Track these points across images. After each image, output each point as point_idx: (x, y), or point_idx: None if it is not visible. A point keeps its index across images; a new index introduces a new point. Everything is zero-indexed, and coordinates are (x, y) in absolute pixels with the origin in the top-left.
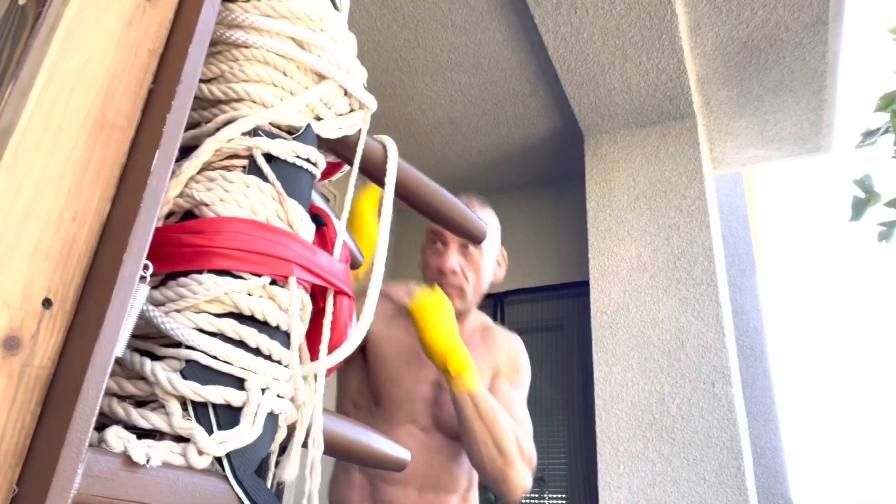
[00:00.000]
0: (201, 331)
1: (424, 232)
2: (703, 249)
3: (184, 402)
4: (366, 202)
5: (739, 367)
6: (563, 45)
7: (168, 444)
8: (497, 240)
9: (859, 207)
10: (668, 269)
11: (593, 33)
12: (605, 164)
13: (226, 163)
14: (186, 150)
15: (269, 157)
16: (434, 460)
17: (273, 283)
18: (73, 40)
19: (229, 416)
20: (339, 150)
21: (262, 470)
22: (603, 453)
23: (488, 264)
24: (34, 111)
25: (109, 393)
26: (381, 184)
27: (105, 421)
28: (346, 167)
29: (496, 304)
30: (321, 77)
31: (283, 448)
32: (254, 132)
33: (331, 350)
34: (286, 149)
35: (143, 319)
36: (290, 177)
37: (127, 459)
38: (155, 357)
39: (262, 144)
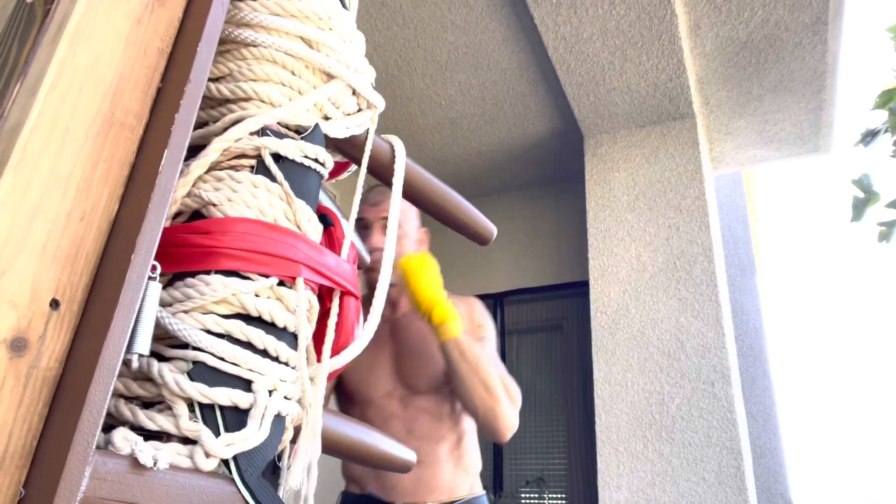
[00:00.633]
0: (209, 332)
1: (435, 229)
2: (702, 249)
3: (191, 404)
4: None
5: (739, 367)
6: (563, 45)
7: (175, 446)
8: (416, 220)
9: (860, 208)
10: (667, 269)
11: (593, 33)
12: (605, 165)
13: (234, 162)
14: (194, 150)
15: (277, 157)
16: (416, 418)
17: (281, 283)
18: (82, 38)
19: (236, 417)
20: (347, 149)
21: (268, 471)
22: (603, 453)
23: (410, 236)
24: (42, 110)
25: (116, 394)
26: (389, 183)
27: (112, 422)
28: (353, 166)
29: (496, 304)
30: (330, 76)
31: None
32: (262, 132)
33: (337, 351)
34: (294, 149)
35: (154, 317)
36: (299, 177)
37: (134, 461)
38: (162, 358)
39: (271, 144)
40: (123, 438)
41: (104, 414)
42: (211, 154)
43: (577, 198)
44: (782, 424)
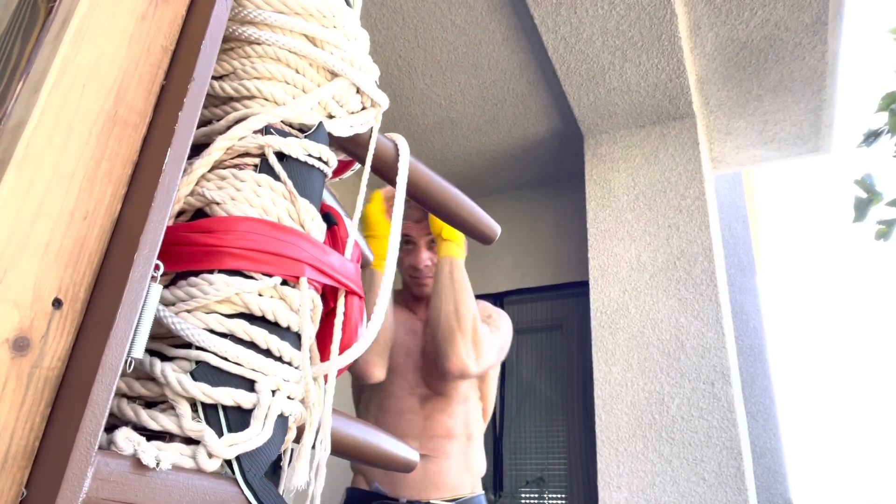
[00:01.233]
0: (212, 331)
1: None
2: (702, 249)
3: (194, 404)
4: (374, 207)
5: (739, 367)
6: (563, 46)
7: (178, 447)
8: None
9: (862, 208)
10: (667, 269)
11: (593, 33)
12: (605, 164)
13: (237, 161)
14: (197, 148)
15: (280, 156)
16: (431, 416)
17: (284, 283)
18: (85, 36)
19: (239, 417)
20: (351, 148)
21: (269, 471)
22: (603, 453)
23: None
24: (45, 107)
25: (119, 394)
26: (393, 182)
27: (114, 422)
28: (356, 165)
29: (496, 304)
30: (334, 74)
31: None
32: (265, 130)
33: (341, 350)
34: (298, 147)
35: (154, 319)
36: (302, 175)
37: (136, 462)
38: (165, 358)
39: (274, 143)
40: (126, 438)
41: (107, 414)
42: (214, 152)
43: (577, 198)
44: (782, 424)
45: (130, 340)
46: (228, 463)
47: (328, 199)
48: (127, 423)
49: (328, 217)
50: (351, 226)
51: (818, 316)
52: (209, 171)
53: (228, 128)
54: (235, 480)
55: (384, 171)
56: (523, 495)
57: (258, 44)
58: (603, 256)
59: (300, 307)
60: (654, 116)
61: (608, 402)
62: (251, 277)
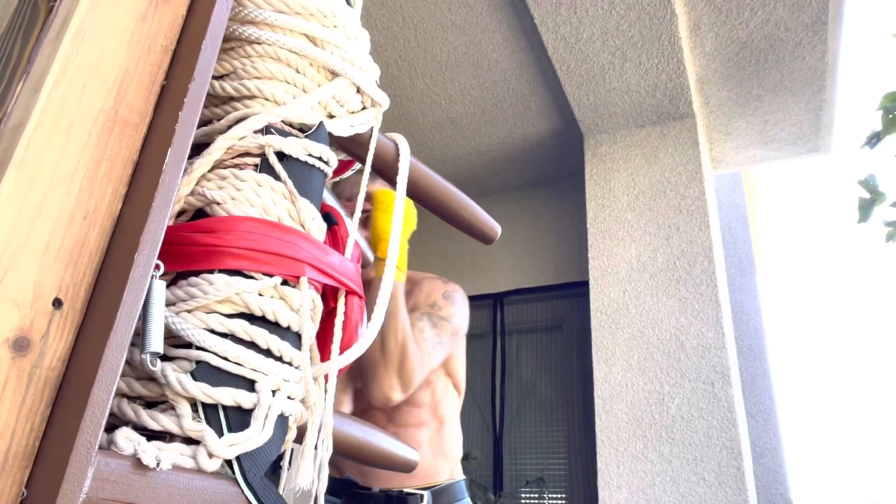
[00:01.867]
0: (212, 331)
1: (445, 226)
2: (702, 249)
3: (194, 404)
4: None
5: (739, 367)
6: (563, 46)
7: (178, 447)
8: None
9: (866, 209)
10: (667, 269)
11: (593, 33)
12: (605, 165)
13: (238, 161)
14: (198, 148)
15: (281, 156)
16: (394, 406)
17: (284, 283)
18: (85, 35)
19: (239, 417)
20: (351, 147)
21: (269, 471)
22: (603, 453)
23: None
24: (46, 107)
25: (119, 394)
26: (393, 182)
27: (115, 422)
28: (356, 165)
29: (496, 303)
30: (334, 74)
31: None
32: (266, 130)
33: (342, 350)
34: (298, 147)
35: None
36: (303, 175)
37: (137, 462)
38: (165, 358)
39: (275, 142)
40: (126, 439)
41: (107, 414)
42: (215, 152)
43: (577, 198)
44: (782, 424)
45: (149, 336)
46: (229, 463)
47: (328, 198)
48: (127, 423)
49: (328, 217)
50: (351, 225)
51: (818, 316)
52: (209, 170)
53: (229, 127)
54: (236, 480)
55: (384, 171)
56: (523, 495)
57: (258, 43)
58: (603, 256)
59: (300, 307)
60: (654, 116)
61: (608, 402)
62: (251, 277)
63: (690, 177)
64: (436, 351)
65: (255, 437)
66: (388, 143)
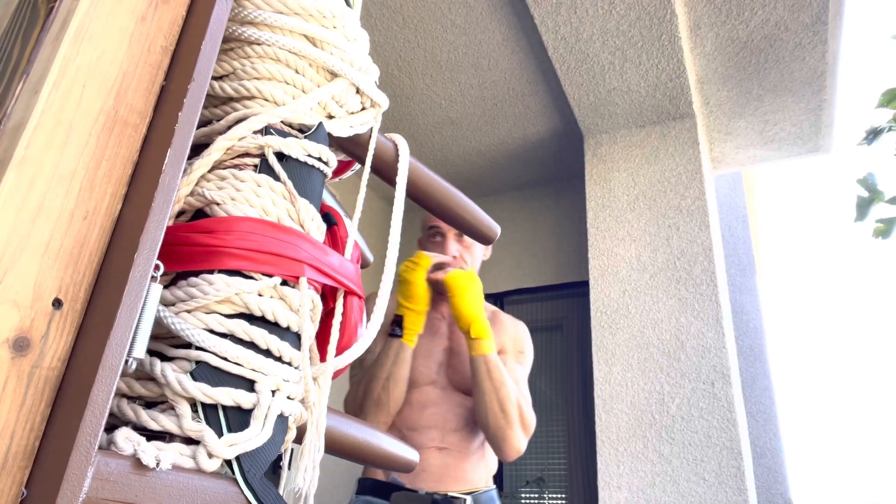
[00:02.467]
0: (212, 331)
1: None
2: (702, 249)
3: (193, 404)
4: (418, 275)
5: (739, 367)
6: (563, 45)
7: (178, 447)
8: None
9: (864, 207)
10: (667, 269)
11: (593, 33)
12: (605, 164)
13: (237, 161)
14: (197, 149)
15: (280, 156)
16: (452, 410)
17: (284, 283)
18: (85, 36)
19: (239, 417)
20: (351, 148)
21: (268, 471)
22: (603, 453)
23: (479, 246)
24: (45, 108)
25: (119, 394)
26: (392, 182)
27: (114, 422)
28: (356, 165)
29: (496, 303)
30: (334, 75)
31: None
32: (265, 130)
33: (341, 351)
34: (298, 147)
35: (154, 319)
36: (302, 176)
37: (136, 462)
38: (165, 358)
39: (274, 143)
40: (126, 439)
41: (107, 414)
42: (214, 153)
43: (577, 198)
44: (782, 424)
45: (131, 340)
46: (228, 463)
47: (328, 199)
48: (127, 423)
49: (328, 217)
50: (351, 226)
51: (818, 316)
52: (209, 171)
53: (228, 128)
54: (235, 480)
55: (384, 172)
56: (523, 495)
57: (258, 44)
58: (603, 256)
59: (300, 307)
60: (654, 116)
61: (608, 402)
62: (251, 277)
63: (690, 177)
64: (529, 397)
65: (254, 437)
66: (387, 144)
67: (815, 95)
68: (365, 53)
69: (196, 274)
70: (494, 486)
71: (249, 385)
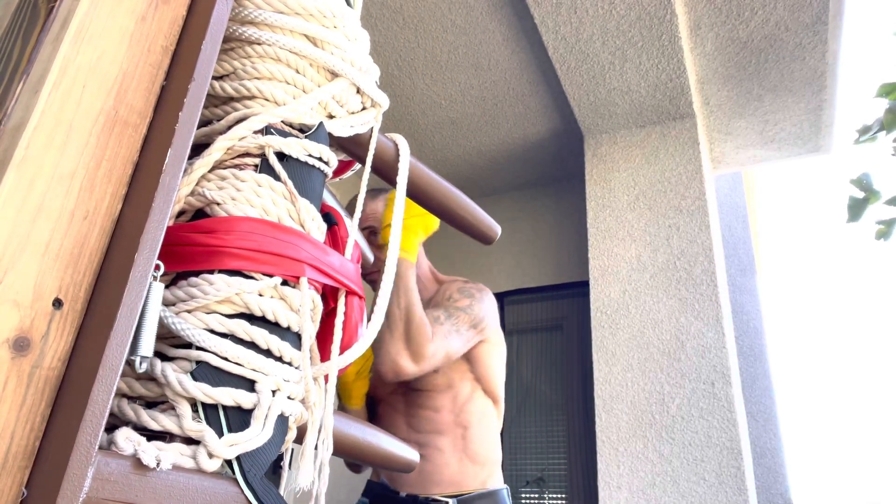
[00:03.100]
0: (212, 332)
1: (445, 226)
2: (702, 249)
3: (194, 404)
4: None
5: (739, 367)
6: (563, 46)
7: (178, 447)
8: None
9: (856, 208)
10: (667, 269)
11: (593, 33)
12: (605, 164)
13: (238, 161)
14: (198, 148)
15: (281, 156)
16: (412, 411)
17: (284, 283)
18: (85, 36)
19: (239, 418)
20: (351, 148)
21: (269, 471)
22: (603, 453)
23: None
24: (45, 108)
25: (119, 394)
26: (393, 182)
27: (115, 422)
28: (356, 165)
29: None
30: (334, 75)
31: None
32: (266, 130)
33: (341, 350)
34: (298, 147)
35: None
36: (302, 175)
37: (137, 462)
38: (165, 358)
39: (275, 143)
40: (126, 439)
41: (107, 414)
42: (215, 153)
43: (577, 198)
44: (782, 424)
45: (140, 339)
46: (229, 463)
47: (328, 199)
48: (127, 423)
49: (328, 217)
50: (351, 226)
51: (818, 316)
52: (209, 171)
53: (229, 128)
54: (236, 480)
55: (384, 171)
56: (523, 495)
57: (258, 44)
58: (603, 256)
59: (300, 307)
60: (654, 116)
61: (608, 402)
62: (251, 277)
63: (690, 177)
64: (452, 336)
65: (255, 437)
66: (388, 144)
67: (816, 95)
68: (365, 53)
69: (196, 274)
70: (500, 487)
71: (250, 385)
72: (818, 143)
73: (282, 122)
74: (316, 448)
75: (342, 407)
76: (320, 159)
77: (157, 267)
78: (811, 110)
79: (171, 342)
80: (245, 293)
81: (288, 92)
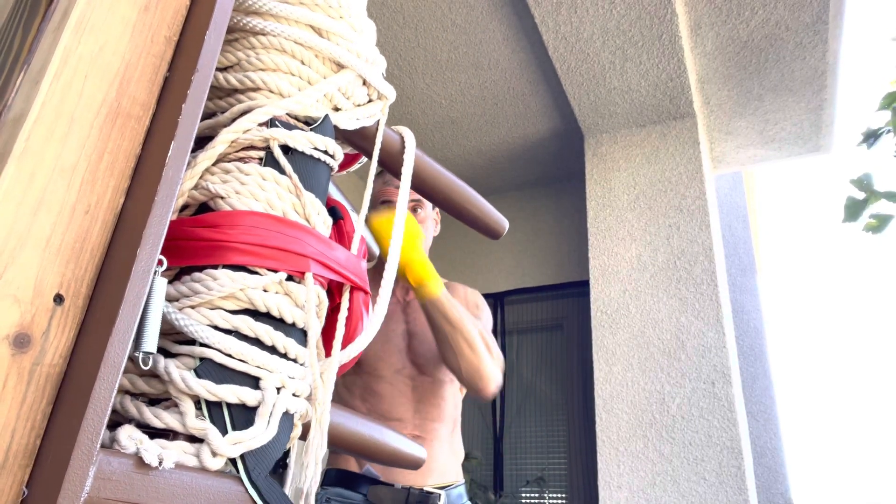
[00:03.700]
0: (216, 328)
1: (446, 226)
2: (703, 249)
3: (197, 402)
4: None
5: (739, 367)
6: (564, 45)
7: (181, 445)
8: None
9: (854, 209)
10: (668, 268)
11: (593, 33)
12: (606, 164)
13: (242, 154)
14: (201, 141)
15: (286, 149)
16: (423, 398)
17: (289, 278)
18: (86, 26)
19: (244, 415)
20: (357, 141)
21: (276, 470)
22: (603, 453)
23: (430, 222)
24: (46, 99)
25: (122, 391)
26: (399, 175)
27: (117, 419)
28: (363, 158)
29: (496, 303)
30: (340, 66)
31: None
32: (270, 123)
33: (344, 345)
34: (304, 140)
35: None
36: (308, 169)
37: (139, 461)
38: (168, 354)
39: (279, 136)
40: (129, 437)
41: (109, 412)
42: (219, 146)
43: (577, 197)
44: (783, 424)
45: (143, 335)
46: (233, 461)
47: (334, 193)
48: (130, 420)
49: (334, 211)
50: (357, 220)
51: (818, 316)
52: (213, 164)
53: (233, 120)
54: (240, 479)
55: (391, 165)
56: (523, 495)
57: (263, 34)
58: (603, 256)
59: (306, 303)
60: (654, 116)
61: (608, 402)
62: (256, 273)
63: (691, 176)
64: (494, 338)
65: (259, 435)
66: (394, 137)
67: (816, 95)
68: (372, 44)
69: (200, 269)
70: (463, 481)
71: (254, 382)
72: (818, 142)
73: (287, 114)
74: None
75: None
76: (326, 152)
77: (160, 262)
78: (811, 110)
79: (174, 338)
80: (249, 289)
81: (293, 84)
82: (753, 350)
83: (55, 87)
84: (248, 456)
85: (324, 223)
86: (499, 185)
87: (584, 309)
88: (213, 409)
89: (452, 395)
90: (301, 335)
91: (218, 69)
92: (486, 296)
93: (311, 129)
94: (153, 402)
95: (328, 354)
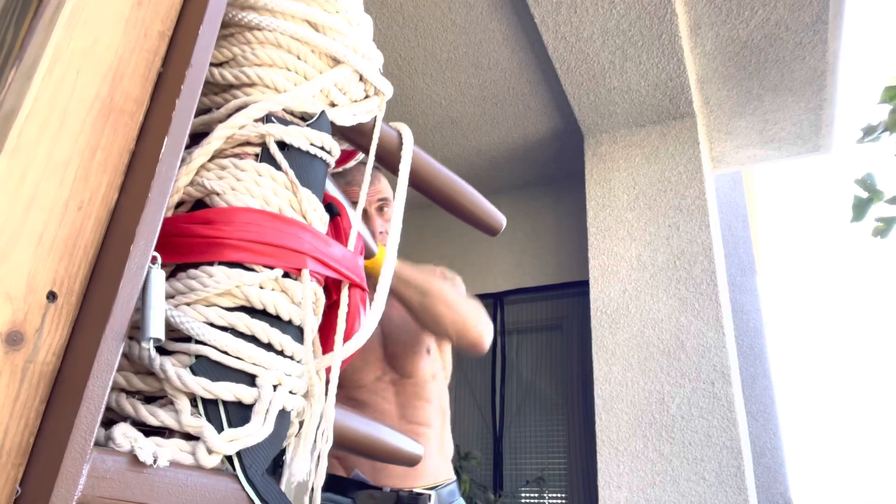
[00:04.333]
0: (212, 325)
1: (444, 226)
2: (702, 249)
3: (193, 399)
4: None
5: (739, 367)
6: (563, 45)
7: (177, 442)
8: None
9: (860, 208)
10: (667, 268)
11: (593, 33)
12: (605, 164)
13: (238, 150)
14: (197, 137)
15: (282, 145)
16: (405, 401)
17: (286, 275)
18: (79, 20)
19: (240, 413)
20: (354, 137)
21: (271, 466)
22: (603, 453)
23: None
24: (38, 95)
25: (117, 388)
26: (396, 172)
27: (113, 417)
28: (359, 155)
29: (496, 304)
30: (336, 61)
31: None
32: (266, 118)
33: (343, 343)
34: (300, 136)
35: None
36: (304, 165)
37: (134, 459)
38: (164, 351)
39: (275, 131)
40: (123, 435)
41: (103, 409)
42: (214, 141)
43: (577, 197)
44: (782, 424)
45: (148, 322)
46: (229, 459)
47: (331, 189)
48: (126, 418)
49: (331, 207)
50: (354, 216)
51: (818, 316)
52: (209, 160)
53: (228, 116)
54: (236, 477)
55: (388, 161)
56: (523, 495)
57: (258, 29)
58: (603, 256)
59: (302, 300)
60: (654, 116)
61: (608, 402)
62: (252, 270)
63: (690, 176)
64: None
65: (255, 432)
66: (391, 133)
67: (816, 95)
68: (368, 39)
69: (196, 266)
70: (454, 478)
71: (250, 379)
72: (818, 142)
73: (283, 110)
74: (315, 440)
75: None
76: (322, 148)
77: (155, 259)
78: (811, 110)
79: (170, 336)
80: (245, 286)
81: (289, 79)
82: (753, 350)
83: (47, 82)
84: (245, 453)
85: (320, 220)
86: (499, 184)
87: (583, 309)
88: (209, 407)
89: (437, 393)
90: (297, 332)
91: (213, 64)
92: (486, 296)
93: (307, 125)
94: (149, 399)
95: (325, 351)
